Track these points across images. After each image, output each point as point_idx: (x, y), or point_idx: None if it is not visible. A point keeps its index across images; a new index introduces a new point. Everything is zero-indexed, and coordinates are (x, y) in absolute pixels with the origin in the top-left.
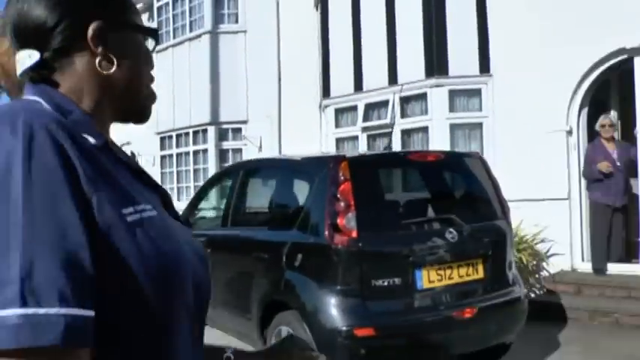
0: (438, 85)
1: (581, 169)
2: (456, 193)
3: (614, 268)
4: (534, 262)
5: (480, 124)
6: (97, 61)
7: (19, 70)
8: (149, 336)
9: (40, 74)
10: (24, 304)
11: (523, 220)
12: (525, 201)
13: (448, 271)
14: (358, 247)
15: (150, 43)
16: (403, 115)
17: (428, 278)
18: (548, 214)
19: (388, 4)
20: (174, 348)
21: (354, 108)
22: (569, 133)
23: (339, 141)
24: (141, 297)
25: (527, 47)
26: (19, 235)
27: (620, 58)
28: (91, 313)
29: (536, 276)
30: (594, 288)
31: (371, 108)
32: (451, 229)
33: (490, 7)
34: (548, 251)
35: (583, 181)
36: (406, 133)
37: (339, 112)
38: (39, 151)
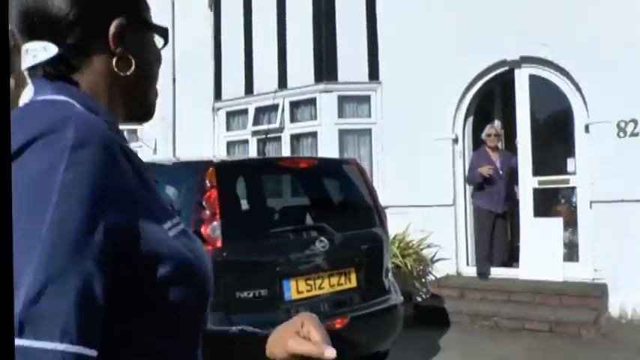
0: (327, 91)
1: (466, 175)
2: (330, 200)
3: (496, 272)
4: (420, 267)
5: (369, 131)
6: (114, 61)
7: (29, 62)
8: (186, 343)
9: (57, 70)
10: (20, 333)
11: (410, 226)
12: (413, 207)
13: (319, 281)
14: (223, 257)
15: (159, 42)
16: (293, 119)
17: (297, 289)
18: (435, 219)
19: (279, 7)
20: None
21: (245, 111)
22: (455, 141)
23: (230, 144)
24: (182, 306)
25: (416, 55)
26: (39, 251)
27: (501, 69)
28: (94, 352)
29: (422, 281)
30: (477, 292)
31: (261, 112)
32: (322, 238)
33: (380, 15)
34: (434, 256)
35: (468, 188)
36: (295, 138)
37: (230, 115)
38: (92, 164)
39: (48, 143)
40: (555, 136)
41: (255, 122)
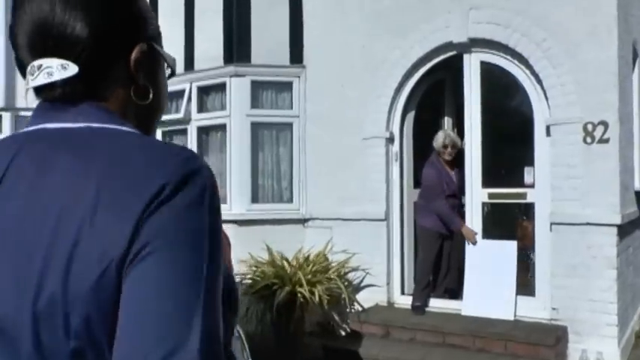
0: (238, 75)
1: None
2: None
3: (437, 304)
4: (343, 296)
5: (290, 125)
6: (133, 88)
7: (41, 80)
8: None
9: (75, 90)
10: None
11: (334, 243)
12: (338, 220)
13: None
14: None
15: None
16: (202, 108)
17: None
18: (364, 237)
19: None
20: None
21: None
22: (391, 140)
23: None
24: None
25: (347, 36)
26: (202, 298)
27: (448, 54)
28: None
29: (344, 312)
30: (405, 331)
31: (168, 99)
32: None
33: None
34: (361, 282)
35: (407, 200)
36: (204, 131)
37: None
38: (216, 204)
39: (193, 186)
40: (511, 139)
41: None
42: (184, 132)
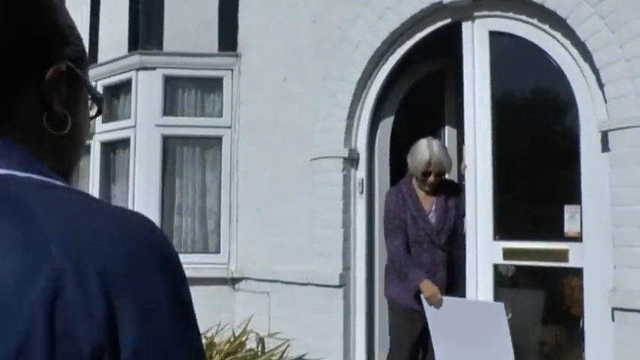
0: (145, 67)
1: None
2: None
3: None
4: None
5: (219, 140)
6: (45, 115)
7: None
8: None
9: None
10: None
11: (267, 317)
12: (275, 282)
13: None
14: None
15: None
16: (110, 117)
17: None
18: (311, 310)
19: None
20: None
21: None
22: (352, 162)
23: None
24: None
25: (294, 9)
26: None
27: (439, 23)
28: None
29: None
30: None
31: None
32: None
33: None
34: None
35: (378, 255)
36: (110, 149)
37: None
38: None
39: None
40: (542, 158)
41: None
42: (87, 150)
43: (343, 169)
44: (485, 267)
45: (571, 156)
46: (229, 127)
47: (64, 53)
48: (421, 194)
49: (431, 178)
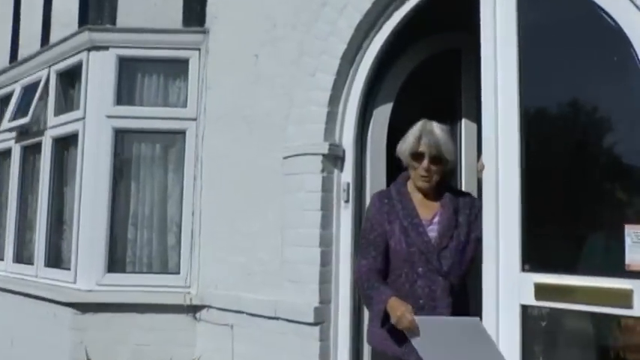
0: (96, 47)
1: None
2: None
3: None
4: None
5: (182, 135)
6: None
7: None
8: None
9: None
10: None
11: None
12: (241, 314)
13: None
14: None
15: None
16: (64, 108)
17: None
18: (282, 349)
19: None
20: None
21: (9, 96)
22: (335, 160)
23: None
24: None
25: None
26: None
27: None
28: None
29: None
30: None
31: (26, 94)
32: None
33: None
34: None
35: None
36: (64, 146)
37: None
38: None
39: None
40: (591, 155)
41: (20, 113)
42: (38, 148)
43: (323, 170)
44: (509, 310)
45: (635, 154)
46: (194, 119)
47: None
48: (418, 198)
49: (424, 164)
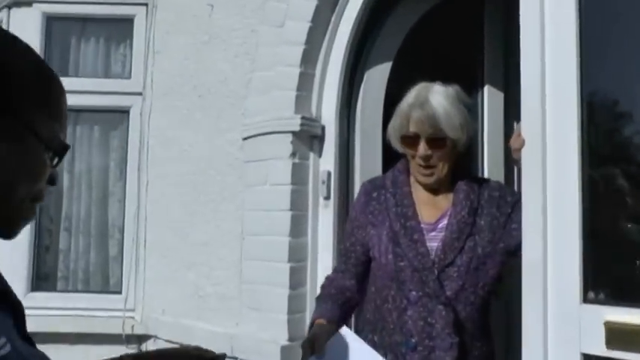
0: (18, 3)
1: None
2: None
3: None
4: None
5: (125, 115)
6: None
7: None
8: None
9: None
10: None
11: None
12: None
13: None
14: None
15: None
16: None
17: None
18: None
19: None
20: None
21: None
22: (309, 142)
23: None
24: None
25: None
26: None
27: None
28: None
29: None
30: None
31: None
32: None
33: None
34: None
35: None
36: None
37: None
38: None
39: None
40: None
41: None
42: None
43: (293, 155)
44: None
45: None
46: (140, 94)
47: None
48: (422, 194)
49: (421, 151)
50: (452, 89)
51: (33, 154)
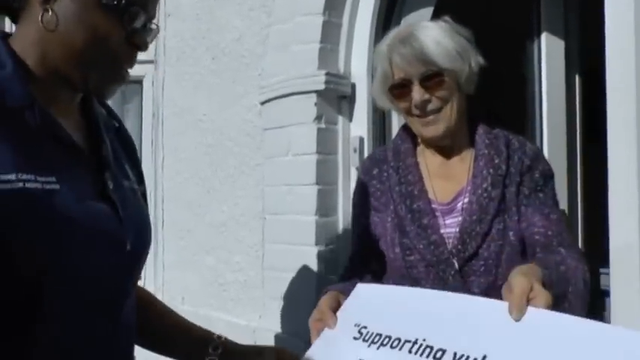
0: None
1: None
2: None
3: None
4: None
5: (139, 84)
6: (41, 14)
7: None
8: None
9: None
10: None
11: None
12: None
13: None
14: None
15: (140, 18)
16: None
17: None
18: None
19: None
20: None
21: None
22: (337, 103)
23: None
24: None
25: None
26: None
27: None
28: None
29: None
30: None
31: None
32: None
33: None
34: None
35: None
36: None
37: None
38: None
39: None
40: None
41: None
42: None
43: (318, 118)
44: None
45: None
46: (152, 62)
47: None
48: (432, 165)
49: (415, 95)
50: (443, 22)
51: (102, 16)
